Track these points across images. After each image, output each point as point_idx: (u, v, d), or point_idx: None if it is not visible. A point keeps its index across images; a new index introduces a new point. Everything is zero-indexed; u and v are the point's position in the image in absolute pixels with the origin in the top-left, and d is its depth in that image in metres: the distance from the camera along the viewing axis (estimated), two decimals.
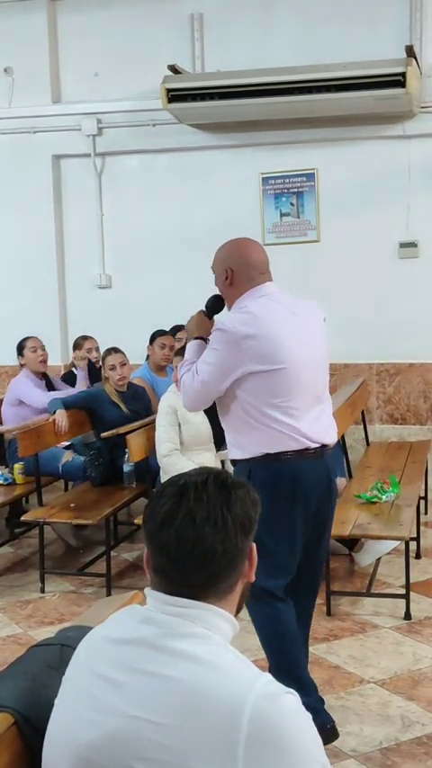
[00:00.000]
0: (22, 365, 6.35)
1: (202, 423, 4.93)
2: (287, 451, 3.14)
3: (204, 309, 3.40)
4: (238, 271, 3.21)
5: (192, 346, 3.31)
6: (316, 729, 1.41)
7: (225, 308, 3.35)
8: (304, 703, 1.42)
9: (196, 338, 3.32)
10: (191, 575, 1.47)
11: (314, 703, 3.19)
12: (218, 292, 3.36)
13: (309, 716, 1.40)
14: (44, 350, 6.36)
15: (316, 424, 3.19)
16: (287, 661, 3.26)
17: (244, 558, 1.53)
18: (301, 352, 3.14)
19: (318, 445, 3.19)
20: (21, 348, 6.36)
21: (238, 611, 1.57)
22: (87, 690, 1.48)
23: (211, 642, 1.45)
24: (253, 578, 1.56)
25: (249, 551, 1.54)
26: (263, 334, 3.07)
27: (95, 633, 1.57)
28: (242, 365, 3.08)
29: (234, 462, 3.31)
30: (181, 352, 5.14)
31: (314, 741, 1.39)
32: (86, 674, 1.50)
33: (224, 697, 1.36)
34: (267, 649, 3.32)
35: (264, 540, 3.09)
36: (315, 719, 1.44)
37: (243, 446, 3.19)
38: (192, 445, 4.96)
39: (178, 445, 4.94)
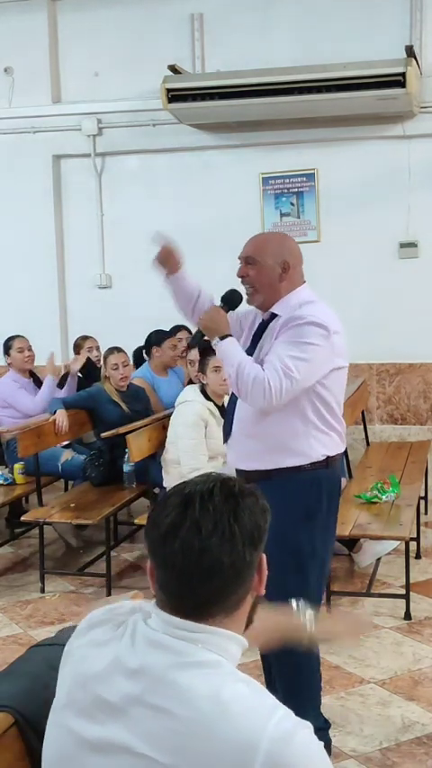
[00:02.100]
0: (8, 364, 6.32)
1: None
2: (337, 455, 3.12)
3: (221, 303, 3.20)
4: (294, 265, 3.09)
5: (231, 347, 3.02)
6: (330, 763, 1.36)
7: (244, 301, 3.17)
8: (322, 735, 1.39)
9: (224, 336, 3.04)
10: (196, 589, 1.40)
11: (322, 724, 3.15)
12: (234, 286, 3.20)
13: (322, 747, 1.35)
14: (31, 350, 6.32)
15: None
16: (315, 696, 3.17)
17: (253, 572, 1.45)
18: None
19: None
20: (7, 347, 6.33)
21: (248, 625, 1.50)
22: (92, 715, 1.42)
23: (222, 672, 1.39)
24: (263, 592, 1.49)
25: (259, 564, 1.47)
26: (341, 330, 3.03)
27: (97, 653, 1.47)
28: (332, 361, 2.98)
29: (270, 474, 3.03)
30: (200, 361, 5.02)
31: None
32: (91, 697, 1.43)
33: (236, 740, 1.30)
34: (298, 686, 3.09)
35: (319, 552, 3.08)
36: (324, 737, 1.40)
37: (300, 451, 3.01)
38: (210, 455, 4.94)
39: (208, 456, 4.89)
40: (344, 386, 3.13)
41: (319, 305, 3.05)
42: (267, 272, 3.06)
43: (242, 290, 3.18)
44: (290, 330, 2.95)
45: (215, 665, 1.39)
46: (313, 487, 3.04)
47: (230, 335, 3.06)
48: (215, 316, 3.10)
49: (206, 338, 3.15)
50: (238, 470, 3.13)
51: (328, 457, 3.06)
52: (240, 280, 3.14)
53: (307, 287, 3.14)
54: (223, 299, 3.21)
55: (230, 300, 3.19)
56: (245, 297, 3.17)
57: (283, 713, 1.34)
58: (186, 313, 3.41)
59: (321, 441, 3.04)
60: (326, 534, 3.14)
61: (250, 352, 3.08)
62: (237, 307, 3.21)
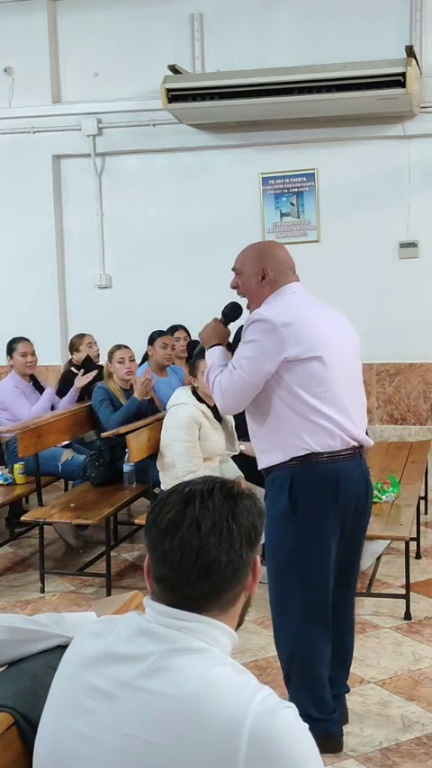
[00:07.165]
0: (10, 366, 6.29)
1: (218, 440, 4.90)
2: (329, 452, 3.04)
3: (221, 317, 3.34)
4: (275, 270, 3.17)
5: (214, 353, 3.22)
6: (314, 742, 1.39)
7: (244, 314, 3.30)
8: (321, 725, 1.40)
9: (214, 345, 3.24)
10: (194, 585, 1.43)
11: (329, 723, 3.12)
12: (234, 300, 3.30)
13: (306, 728, 1.39)
14: (34, 356, 6.25)
15: (354, 421, 3.12)
16: (311, 682, 3.13)
17: (248, 571, 1.49)
18: (334, 342, 3.10)
19: (356, 444, 3.12)
20: (11, 349, 6.26)
21: (240, 624, 1.54)
22: (81, 703, 1.45)
23: (211, 656, 1.42)
24: (256, 592, 1.53)
25: (254, 564, 1.50)
26: (299, 320, 3.04)
27: (91, 643, 1.52)
28: (282, 352, 2.98)
29: (268, 471, 3.12)
30: (191, 363, 5.05)
31: (313, 756, 1.38)
32: (81, 686, 1.47)
33: (222, 716, 1.34)
34: (289, 666, 3.15)
35: (303, 552, 3.06)
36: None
37: (282, 446, 3.04)
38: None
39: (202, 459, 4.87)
40: (320, 378, 3.03)
41: (277, 302, 3.11)
42: (250, 280, 3.19)
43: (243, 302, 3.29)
44: (243, 334, 3.10)
45: (204, 651, 1.43)
46: (290, 488, 3.02)
47: (219, 345, 3.23)
48: (213, 327, 3.30)
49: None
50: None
51: (309, 455, 3.01)
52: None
53: (282, 290, 3.15)
54: (223, 312, 3.37)
55: (229, 314, 3.37)
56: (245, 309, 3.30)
57: (268, 692, 1.39)
58: None
59: (298, 434, 3.00)
60: (313, 536, 3.05)
61: None
62: (236, 319, 3.37)
